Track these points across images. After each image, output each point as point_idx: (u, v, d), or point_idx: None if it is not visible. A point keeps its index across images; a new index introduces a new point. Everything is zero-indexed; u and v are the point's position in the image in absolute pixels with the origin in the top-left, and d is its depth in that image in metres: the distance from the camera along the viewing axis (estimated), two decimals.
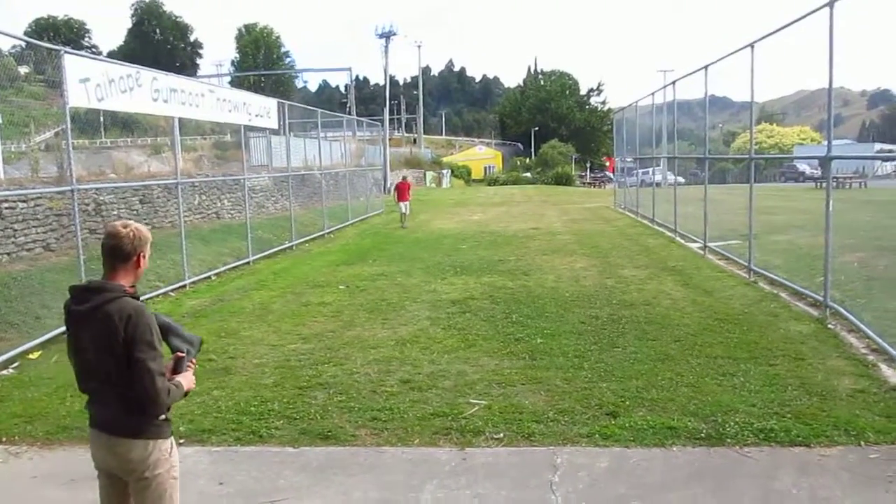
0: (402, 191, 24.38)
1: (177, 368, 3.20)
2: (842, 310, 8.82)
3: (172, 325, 3.31)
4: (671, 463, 5.11)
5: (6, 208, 11.83)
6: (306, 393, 6.72)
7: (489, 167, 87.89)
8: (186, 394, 3.24)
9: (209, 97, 14.51)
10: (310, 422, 6.01)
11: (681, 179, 24.07)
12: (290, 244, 18.43)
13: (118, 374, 3.03)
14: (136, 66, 11.78)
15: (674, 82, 18.38)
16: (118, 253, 3.15)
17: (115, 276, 3.17)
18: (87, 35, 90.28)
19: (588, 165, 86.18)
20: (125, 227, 3.19)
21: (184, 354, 3.26)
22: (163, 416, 3.19)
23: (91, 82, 10.06)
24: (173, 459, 3.27)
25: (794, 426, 5.57)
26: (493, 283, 12.19)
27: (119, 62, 11.80)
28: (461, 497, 4.71)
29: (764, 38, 11.10)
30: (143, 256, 3.23)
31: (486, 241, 18.56)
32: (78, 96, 9.84)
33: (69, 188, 10.04)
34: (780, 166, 44.05)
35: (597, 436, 5.54)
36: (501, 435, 5.64)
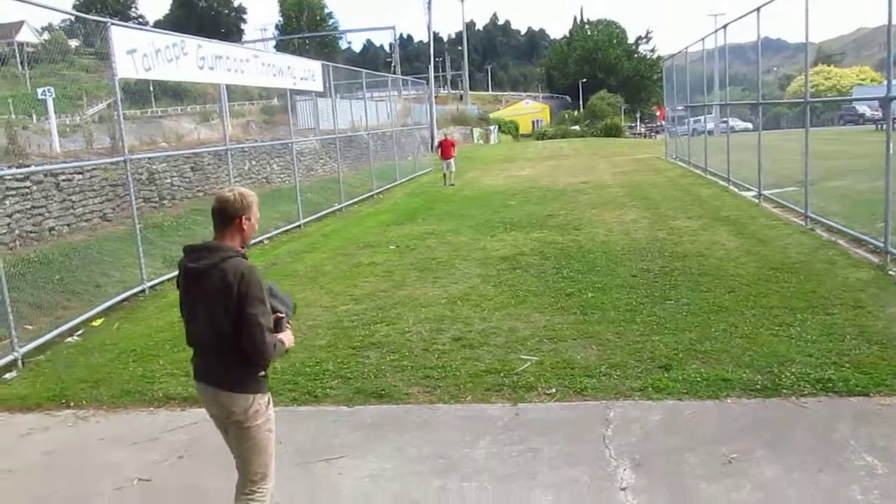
0: (445, 148, 24.32)
1: (277, 328, 3.35)
2: None
3: (273, 288, 3.49)
4: (725, 415, 5.07)
5: (63, 180, 12.13)
6: (359, 353, 6.82)
7: (537, 121, 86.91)
8: (286, 351, 3.43)
9: (254, 62, 14.58)
10: (364, 381, 6.10)
11: (748, 125, 23.40)
12: (340, 206, 18.57)
13: (229, 329, 3.24)
14: (180, 34, 11.88)
15: (725, 26, 17.84)
16: (224, 216, 3.38)
17: (224, 238, 3.40)
18: (133, 6, 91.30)
19: (638, 116, 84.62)
20: (231, 191, 3.43)
21: (283, 315, 3.42)
22: (262, 373, 3.41)
23: (138, 53, 10.17)
24: (269, 413, 3.48)
25: (853, 375, 5.46)
26: (542, 238, 12.13)
27: (164, 31, 11.90)
28: (514, 452, 4.74)
29: None
30: (248, 219, 3.43)
31: (536, 197, 18.44)
32: (126, 67, 9.97)
33: (122, 158, 10.25)
34: (839, 109, 42.58)
35: (650, 389, 5.52)
36: (553, 390, 5.66)
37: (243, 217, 3.39)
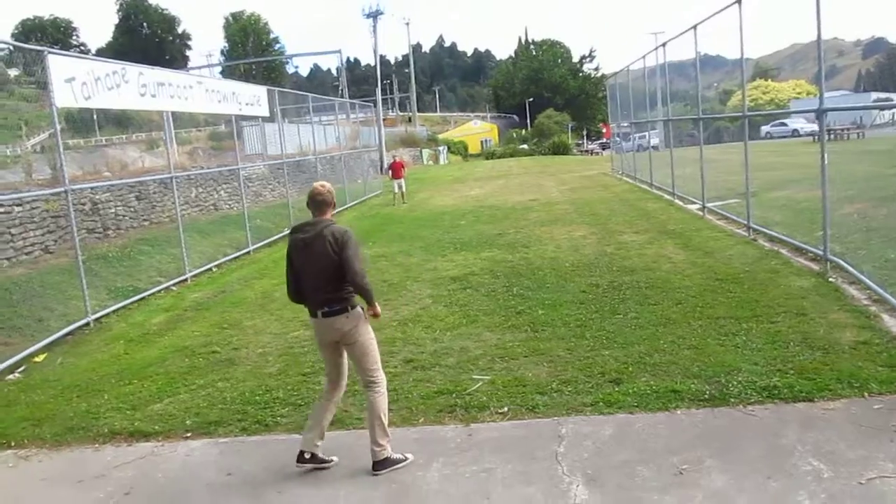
0: (395, 169, 25.37)
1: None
2: (842, 262, 8.80)
3: None
4: (676, 426, 5.12)
5: (2, 213, 11.82)
6: (310, 379, 6.74)
7: (486, 141, 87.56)
8: (371, 300, 5.04)
9: (197, 89, 14.43)
10: None
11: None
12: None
13: (336, 269, 4.75)
14: (121, 62, 11.71)
15: (664, 44, 18.23)
16: (324, 202, 4.95)
17: (324, 216, 4.91)
18: (74, 34, 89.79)
19: (584, 133, 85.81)
20: (322, 186, 5.01)
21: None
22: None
23: (77, 81, 9.99)
24: (368, 326, 5.07)
25: (798, 382, 5.57)
26: (493, 257, 12.17)
27: (104, 59, 11.72)
28: (468, 473, 4.72)
29: None
30: (335, 202, 5.07)
31: (485, 216, 18.53)
32: (65, 96, 9.79)
33: (62, 189, 10.05)
34: (768, 123, 43.68)
35: (601, 404, 5.55)
36: (506, 409, 5.66)
37: (334, 203, 5.05)
